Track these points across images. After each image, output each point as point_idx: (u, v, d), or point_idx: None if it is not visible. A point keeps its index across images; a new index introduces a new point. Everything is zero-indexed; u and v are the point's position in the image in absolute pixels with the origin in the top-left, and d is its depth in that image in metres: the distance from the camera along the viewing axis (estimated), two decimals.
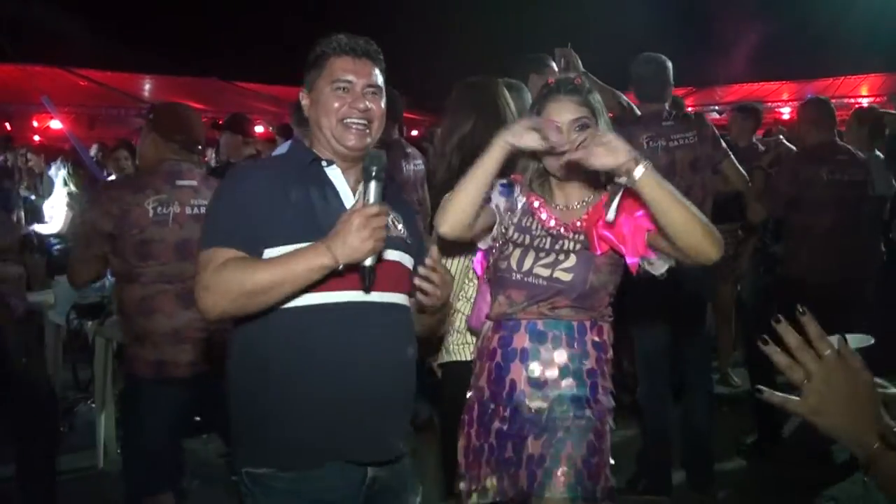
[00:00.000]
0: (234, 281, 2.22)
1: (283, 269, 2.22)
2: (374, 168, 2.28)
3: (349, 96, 2.43)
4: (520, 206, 2.71)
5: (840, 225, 5.02)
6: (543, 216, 2.67)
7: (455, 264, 3.05)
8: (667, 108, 4.79)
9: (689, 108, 15.17)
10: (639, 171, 2.32)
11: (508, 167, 2.67)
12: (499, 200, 2.69)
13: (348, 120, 2.42)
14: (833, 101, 5.94)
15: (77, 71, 14.99)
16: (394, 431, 2.49)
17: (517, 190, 2.72)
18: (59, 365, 6.17)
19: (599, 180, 2.66)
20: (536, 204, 2.70)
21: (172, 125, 3.81)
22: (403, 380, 2.50)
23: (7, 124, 12.39)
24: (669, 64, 4.84)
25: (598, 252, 2.55)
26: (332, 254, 2.19)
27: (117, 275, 3.68)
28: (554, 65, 4.77)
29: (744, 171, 4.89)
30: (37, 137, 12.64)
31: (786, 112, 14.11)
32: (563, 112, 2.58)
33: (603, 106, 2.68)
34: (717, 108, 14.57)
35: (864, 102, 13.45)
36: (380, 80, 2.51)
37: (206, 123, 13.07)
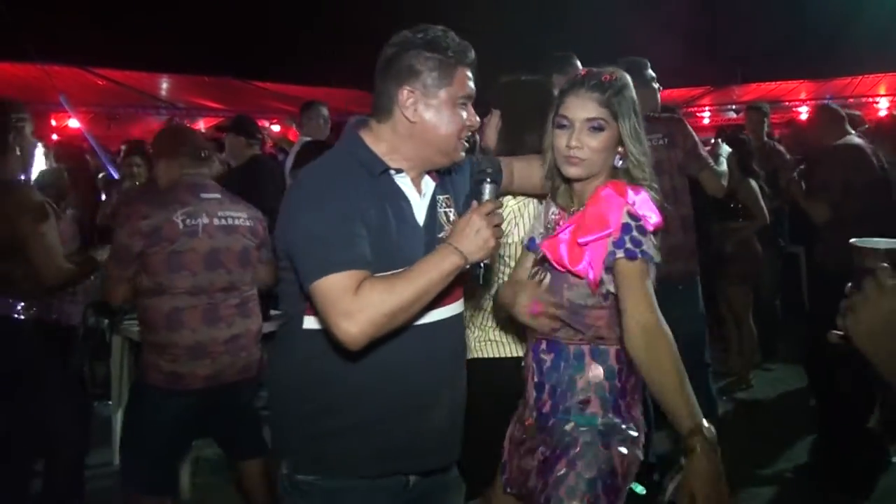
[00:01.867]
0: (381, 302, 2.10)
1: (423, 279, 2.16)
2: (489, 170, 2.30)
3: (467, 113, 2.35)
4: (550, 214, 2.67)
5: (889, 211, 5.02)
6: (560, 224, 2.59)
7: None
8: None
9: (707, 109, 15.27)
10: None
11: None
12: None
13: (464, 137, 2.37)
14: (850, 100, 6.00)
15: (94, 70, 15.04)
16: (453, 441, 2.51)
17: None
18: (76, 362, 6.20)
19: (615, 169, 2.50)
20: (557, 213, 2.64)
21: (172, 142, 3.91)
22: (464, 388, 2.52)
23: None
24: (638, 68, 4.69)
25: (573, 268, 2.42)
26: (461, 253, 2.18)
27: (144, 289, 3.65)
28: (578, 63, 4.76)
29: (722, 182, 4.72)
30: (55, 136, 12.70)
31: (804, 111, 14.02)
32: (579, 109, 2.44)
33: (634, 108, 2.48)
34: (734, 107, 14.48)
35: (882, 101, 13.39)
36: None
37: (217, 124, 13.19)
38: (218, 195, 3.79)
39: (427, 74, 2.28)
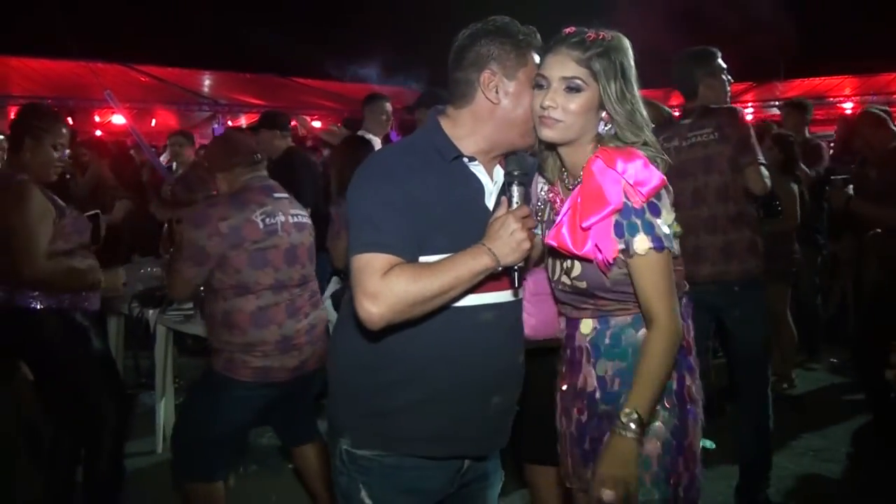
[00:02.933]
0: (404, 291, 2.15)
1: (450, 275, 2.19)
2: (517, 171, 2.29)
3: (542, 94, 2.32)
4: (542, 196, 2.58)
5: None
6: (557, 203, 2.50)
7: None
8: (693, 106, 4.51)
9: (750, 105, 15.11)
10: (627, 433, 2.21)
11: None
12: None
13: (539, 116, 2.34)
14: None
15: (138, 67, 15.23)
16: (506, 428, 2.54)
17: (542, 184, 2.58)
18: (120, 353, 6.29)
19: (595, 129, 2.36)
20: (549, 192, 2.55)
21: (224, 154, 3.97)
22: (518, 376, 2.53)
23: (69, 119, 12.60)
24: (703, 55, 4.56)
25: (579, 252, 2.31)
26: (493, 255, 2.20)
27: (224, 292, 3.71)
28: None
29: (767, 181, 4.42)
30: (98, 132, 12.88)
31: (848, 107, 13.84)
32: (556, 67, 2.29)
33: (621, 72, 2.29)
34: (776, 103, 14.32)
35: None
36: None
37: (249, 124, 13.26)
38: (286, 195, 3.93)
39: (505, 57, 2.33)
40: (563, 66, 2.29)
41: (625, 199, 2.24)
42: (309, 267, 3.90)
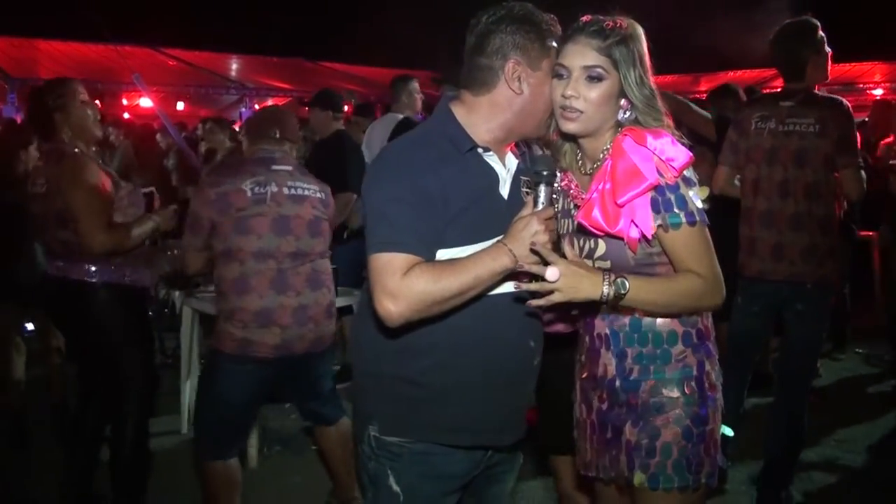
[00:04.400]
0: (424, 291, 2.16)
1: (470, 276, 2.19)
2: (546, 171, 2.26)
3: (564, 84, 2.32)
4: (559, 186, 2.52)
5: None
6: (571, 189, 2.49)
7: None
8: (803, 86, 4.22)
9: (779, 90, 14.92)
10: (608, 297, 2.17)
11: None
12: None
13: (560, 106, 2.34)
14: None
15: (166, 51, 15.32)
16: (522, 416, 2.54)
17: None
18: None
19: (615, 116, 2.36)
20: (565, 180, 2.52)
21: (259, 123, 4.07)
22: (535, 367, 2.53)
23: (98, 101, 12.70)
24: (809, 29, 4.25)
25: (613, 230, 2.29)
26: (513, 256, 2.19)
27: (217, 255, 3.78)
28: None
29: (864, 185, 4.27)
30: (126, 115, 12.96)
31: (878, 94, 13.67)
32: (576, 56, 2.28)
33: (640, 60, 2.30)
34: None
35: None
36: None
37: (294, 102, 13.30)
38: (289, 167, 3.91)
39: (530, 46, 2.31)
40: (583, 55, 2.28)
41: (659, 175, 2.24)
42: (308, 241, 3.82)
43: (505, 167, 2.42)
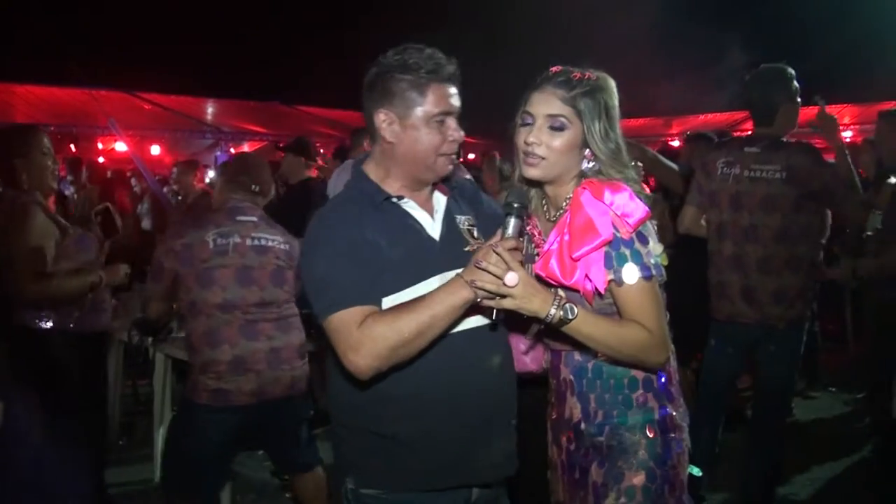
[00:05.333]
0: (383, 336, 2.17)
1: (426, 314, 2.18)
2: (517, 204, 2.27)
3: (447, 128, 2.36)
4: (526, 233, 2.54)
5: None
6: (535, 236, 2.53)
7: None
8: (771, 132, 4.26)
9: (750, 133, 15.11)
10: (553, 318, 2.18)
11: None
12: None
13: (445, 152, 2.38)
14: None
15: (141, 95, 15.32)
16: (505, 453, 2.51)
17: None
18: (120, 380, 6.29)
19: (578, 166, 2.40)
20: (530, 225, 2.55)
21: (238, 169, 4.07)
22: (511, 400, 2.52)
23: (72, 146, 12.69)
24: (784, 77, 4.27)
25: (568, 282, 2.31)
26: (472, 287, 2.18)
27: (183, 306, 3.81)
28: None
29: (864, 211, 4.39)
30: (101, 159, 12.94)
31: (848, 135, 13.87)
32: (541, 105, 2.35)
33: (606, 111, 2.34)
34: None
35: None
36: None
37: (269, 146, 13.32)
38: (254, 218, 3.92)
39: (399, 96, 2.33)
40: (548, 104, 2.34)
41: (614, 230, 2.27)
42: (272, 290, 3.83)
43: (431, 211, 2.45)
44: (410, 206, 2.42)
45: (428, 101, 2.33)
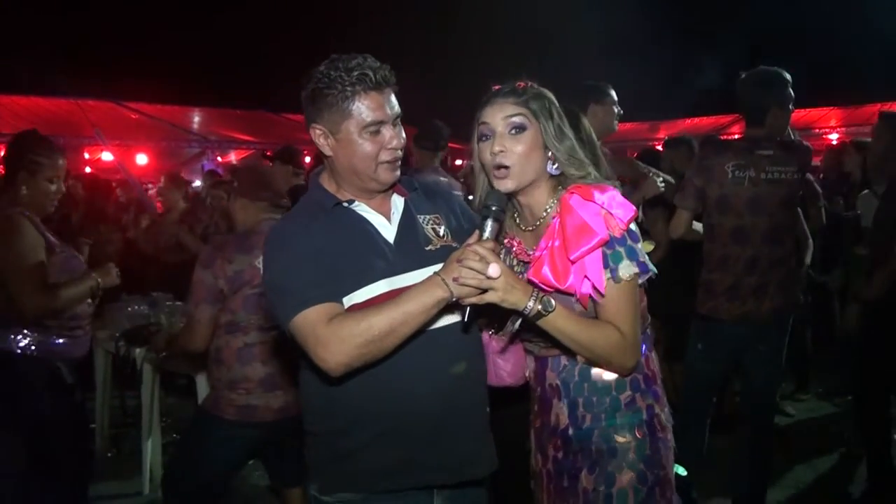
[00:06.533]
0: (351, 333, 2.16)
1: (398, 311, 2.18)
2: (495, 207, 2.27)
3: (382, 137, 2.35)
4: (502, 245, 2.53)
5: None
6: (514, 248, 2.52)
7: None
8: (765, 133, 4.28)
9: (737, 136, 15.22)
10: (532, 311, 2.19)
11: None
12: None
13: (385, 160, 2.37)
14: None
15: (127, 104, 15.30)
16: (478, 455, 2.49)
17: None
18: (108, 391, 6.25)
19: (545, 168, 2.41)
20: (507, 237, 2.54)
21: (255, 185, 3.95)
22: (477, 403, 2.51)
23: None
24: (777, 81, 4.30)
25: (563, 286, 2.30)
26: (447, 287, 2.17)
27: (219, 325, 3.76)
28: (613, 94, 4.62)
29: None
30: (88, 169, 12.89)
31: (833, 138, 13.95)
32: (496, 112, 2.37)
33: (555, 111, 2.40)
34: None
35: None
36: (397, 102, 2.40)
37: (257, 154, 13.31)
38: None
39: (327, 110, 2.33)
40: (503, 109, 2.37)
41: (607, 229, 2.28)
42: None
43: (388, 213, 2.46)
44: (363, 210, 2.43)
45: (356, 114, 2.32)
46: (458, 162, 14.34)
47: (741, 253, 4.26)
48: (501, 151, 2.34)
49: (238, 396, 3.71)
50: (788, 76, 4.31)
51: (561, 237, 2.29)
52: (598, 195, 2.29)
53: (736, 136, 15.25)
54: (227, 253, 3.74)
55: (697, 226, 4.50)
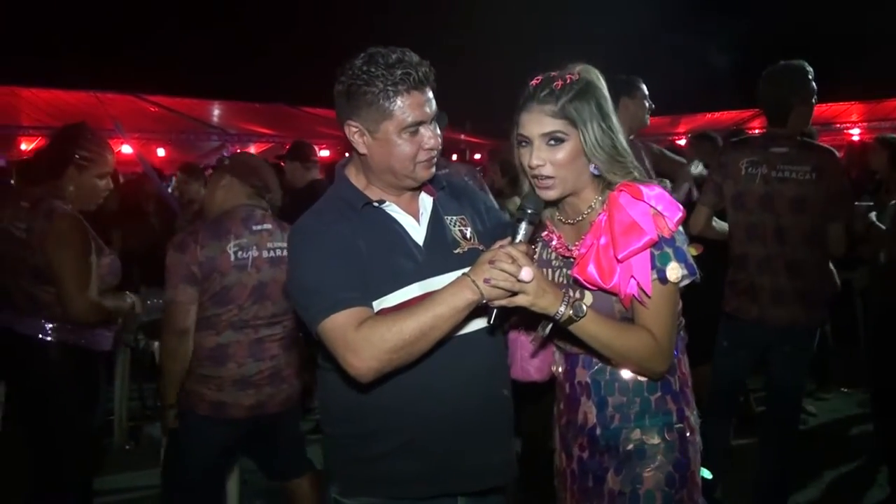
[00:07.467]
0: (382, 338, 2.11)
1: (428, 315, 2.13)
2: (530, 210, 2.22)
3: (421, 137, 2.29)
4: (540, 238, 2.52)
5: None
6: (554, 241, 2.47)
7: None
8: (786, 132, 4.22)
9: (757, 131, 15.11)
10: (563, 316, 2.14)
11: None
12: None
13: (422, 160, 2.32)
14: None
15: (147, 97, 15.34)
16: (501, 462, 2.47)
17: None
18: (126, 384, 6.26)
19: (588, 169, 2.33)
20: (546, 231, 2.50)
21: (248, 170, 3.87)
22: (504, 408, 2.48)
23: None
24: (799, 77, 4.22)
25: (607, 285, 2.26)
26: (477, 288, 2.13)
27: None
28: (644, 87, 4.58)
29: (845, 246, 4.28)
30: None
31: (855, 133, 13.82)
32: (533, 125, 2.28)
33: (599, 108, 2.28)
34: None
35: None
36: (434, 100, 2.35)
37: (272, 152, 13.31)
38: (269, 225, 3.79)
39: (366, 108, 2.26)
40: (539, 123, 2.28)
41: (656, 230, 2.23)
42: (282, 304, 3.74)
43: (417, 214, 2.42)
44: (393, 210, 2.38)
45: (398, 113, 2.25)
46: (478, 156, 14.35)
47: (755, 252, 4.24)
48: (540, 165, 2.29)
49: (208, 391, 3.63)
50: (810, 68, 4.24)
51: (608, 235, 2.24)
52: (647, 193, 2.23)
53: (756, 132, 15.23)
54: (201, 238, 3.63)
55: (723, 225, 4.45)
